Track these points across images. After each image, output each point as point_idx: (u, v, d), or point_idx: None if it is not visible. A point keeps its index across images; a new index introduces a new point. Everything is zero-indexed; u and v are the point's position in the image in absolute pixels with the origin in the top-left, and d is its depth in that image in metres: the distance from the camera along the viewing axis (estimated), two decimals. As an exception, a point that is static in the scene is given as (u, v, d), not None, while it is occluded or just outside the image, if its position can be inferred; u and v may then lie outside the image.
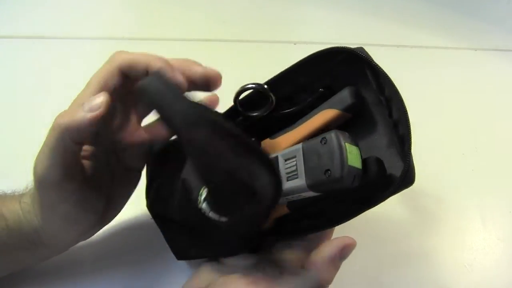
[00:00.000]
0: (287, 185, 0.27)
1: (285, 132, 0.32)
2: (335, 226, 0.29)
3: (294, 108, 0.33)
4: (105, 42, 0.54)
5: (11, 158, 0.41)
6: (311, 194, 0.27)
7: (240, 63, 0.53)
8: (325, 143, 0.26)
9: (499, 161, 0.47)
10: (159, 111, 0.25)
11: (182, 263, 0.36)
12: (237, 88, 0.35)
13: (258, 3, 0.59)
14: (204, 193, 0.29)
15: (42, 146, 0.27)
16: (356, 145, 0.26)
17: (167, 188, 0.32)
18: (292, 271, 0.28)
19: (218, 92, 0.49)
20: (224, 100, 0.49)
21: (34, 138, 0.38)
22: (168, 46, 0.54)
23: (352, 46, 0.29)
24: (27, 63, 0.51)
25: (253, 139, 0.33)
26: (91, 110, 0.26)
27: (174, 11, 0.58)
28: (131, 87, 0.29)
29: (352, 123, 0.30)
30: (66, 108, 0.29)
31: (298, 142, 0.29)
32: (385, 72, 0.28)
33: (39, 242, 0.29)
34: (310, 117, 0.31)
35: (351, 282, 0.39)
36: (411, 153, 0.27)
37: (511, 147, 0.48)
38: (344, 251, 0.28)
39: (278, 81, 0.32)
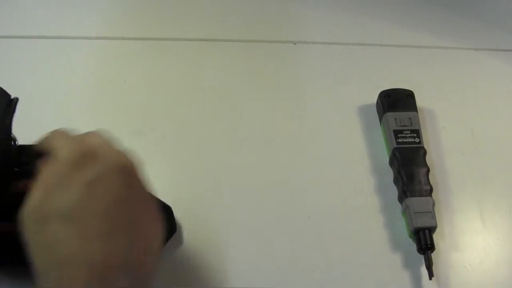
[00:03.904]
0: None
1: None
2: None
3: None
4: (105, 42, 0.54)
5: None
6: None
7: (240, 63, 0.53)
8: None
9: (499, 161, 0.47)
10: None
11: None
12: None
13: (257, 2, 0.59)
14: None
15: None
16: None
17: None
18: None
19: (216, 92, 0.49)
20: (224, 100, 0.50)
21: (34, 138, 0.38)
22: (168, 46, 0.54)
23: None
24: (28, 63, 0.51)
25: None
26: None
27: (174, 11, 0.57)
28: None
29: None
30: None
31: None
32: None
33: None
34: None
35: (353, 283, 0.39)
36: None
37: (511, 147, 0.48)
38: None
39: None
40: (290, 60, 0.54)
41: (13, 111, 0.32)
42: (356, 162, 0.46)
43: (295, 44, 0.55)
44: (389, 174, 0.44)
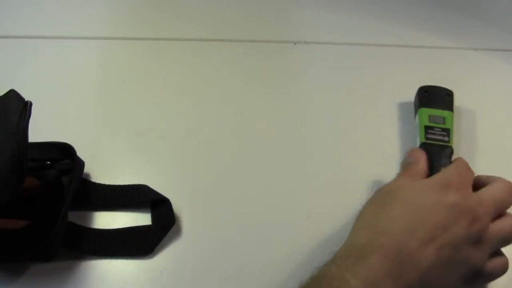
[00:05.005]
0: None
1: None
2: None
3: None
4: (105, 42, 0.54)
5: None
6: None
7: (240, 63, 0.53)
8: None
9: (499, 162, 0.47)
10: None
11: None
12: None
13: (257, 2, 0.59)
14: None
15: None
16: None
17: None
18: None
19: (216, 92, 0.49)
20: (224, 99, 0.50)
21: (34, 139, 0.38)
22: (168, 46, 0.54)
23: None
24: (28, 63, 0.51)
25: None
26: None
27: (174, 11, 0.58)
28: None
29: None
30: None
31: None
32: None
33: None
34: None
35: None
36: None
37: (511, 148, 0.48)
38: None
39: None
40: (290, 60, 0.54)
41: (29, 114, 0.34)
42: (356, 162, 0.46)
43: (295, 44, 0.55)
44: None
